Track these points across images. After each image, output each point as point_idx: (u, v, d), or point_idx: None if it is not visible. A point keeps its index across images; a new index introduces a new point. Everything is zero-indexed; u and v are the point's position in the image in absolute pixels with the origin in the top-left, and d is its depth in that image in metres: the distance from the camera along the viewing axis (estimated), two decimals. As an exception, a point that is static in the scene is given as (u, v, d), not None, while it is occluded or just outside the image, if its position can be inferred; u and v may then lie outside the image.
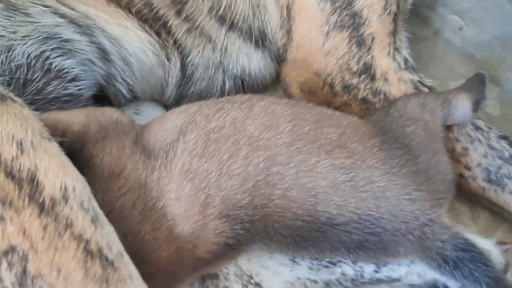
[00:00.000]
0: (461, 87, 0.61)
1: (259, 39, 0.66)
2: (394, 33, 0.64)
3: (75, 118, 0.52)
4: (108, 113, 0.53)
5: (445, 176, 0.51)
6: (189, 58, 0.64)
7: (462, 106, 0.57)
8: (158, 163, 0.48)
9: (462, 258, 0.45)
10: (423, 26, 0.80)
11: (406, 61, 0.65)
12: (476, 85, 0.61)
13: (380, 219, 0.46)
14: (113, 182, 0.48)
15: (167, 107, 0.68)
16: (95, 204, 0.43)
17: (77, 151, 0.50)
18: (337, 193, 0.46)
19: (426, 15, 0.81)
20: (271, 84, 0.73)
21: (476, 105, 0.59)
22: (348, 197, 0.46)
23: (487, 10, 0.81)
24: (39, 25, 0.55)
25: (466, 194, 0.63)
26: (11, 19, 0.54)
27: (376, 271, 0.50)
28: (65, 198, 0.41)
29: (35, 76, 0.54)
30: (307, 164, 0.47)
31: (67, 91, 0.57)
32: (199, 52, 0.64)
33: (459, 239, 0.46)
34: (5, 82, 0.51)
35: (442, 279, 0.48)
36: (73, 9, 0.57)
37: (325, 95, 0.66)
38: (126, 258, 0.42)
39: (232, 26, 0.64)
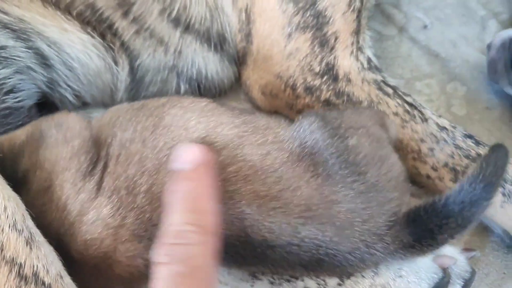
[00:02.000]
0: None
1: (218, 42, 0.63)
2: (357, 32, 0.61)
3: (19, 132, 0.47)
4: (52, 118, 0.48)
5: (397, 181, 0.47)
6: (139, 61, 0.60)
7: (392, 126, 0.54)
8: (91, 185, 0.45)
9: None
10: (388, 24, 0.78)
11: (369, 61, 0.63)
12: None
13: (329, 242, 0.42)
14: (39, 197, 0.44)
15: (121, 111, 0.64)
16: (30, 223, 0.40)
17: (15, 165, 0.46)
18: (267, 219, 0.42)
19: (390, 12, 0.79)
20: (233, 87, 0.70)
21: None
22: (282, 223, 0.42)
23: (452, 8, 0.79)
24: None
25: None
26: None
27: (339, 284, 0.48)
28: None
29: None
30: (227, 189, 0.42)
31: (4, 105, 0.53)
32: (149, 54, 0.61)
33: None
34: None
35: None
36: (5, 13, 0.52)
37: (287, 97, 0.64)
38: (67, 279, 0.39)
39: (187, 29, 0.61)
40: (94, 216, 0.43)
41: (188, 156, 0.39)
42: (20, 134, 0.48)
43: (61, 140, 0.46)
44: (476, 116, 0.70)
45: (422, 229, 0.45)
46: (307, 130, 0.47)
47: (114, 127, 0.47)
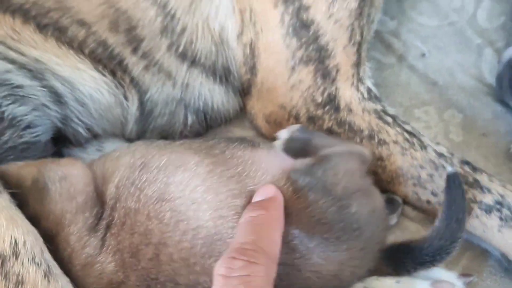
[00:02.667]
0: None
1: (223, 75, 0.66)
2: (357, 64, 0.64)
3: (29, 172, 0.49)
4: (57, 168, 0.50)
5: (384, 224, 0.52)
6: (148, 95, 0.63)
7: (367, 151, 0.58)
8: (95, 242, 0.47)
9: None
10: (387, 52, 0.81)
11: (369, 91, 0.65)
12: None
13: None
14: (52, 241, 0.46)
15: (131, 140, 0.66)
16: (48, 256, 0.42)
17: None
18: None
19: (390, 41, 0.82)
20: (237, 116, 0.72)
21: None
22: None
23: (449, 36, 0.82)
24: None
25: (430, 222, 0.64)
26: None
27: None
28: (15, 254, 0.40)
29: None
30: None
31: (23, 139, 0.55)
32: (158, 88, 0.63)
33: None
34: None
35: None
36: (22, 54, 0.56)
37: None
38: None
39: (194, 63, 0.64)
40: (99, 270, 0.45)
41: (266, 190, 0.44)
42: (26, 175, 0.49)
43: (66, 195, 0.48)
44: (473, 143, 0.72)
45: (399, 263, 0.52)
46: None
47: (118, 189, 0.48)
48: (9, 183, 0.48)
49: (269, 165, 0.50)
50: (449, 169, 0.56)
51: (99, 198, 0.49)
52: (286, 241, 0.45)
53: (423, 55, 0.80)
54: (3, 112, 0.54)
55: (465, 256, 0.63)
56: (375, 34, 0.81)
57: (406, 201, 0.64)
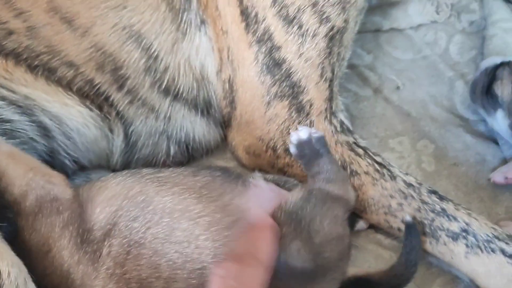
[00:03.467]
0: None
1: (204, 108, 0.70)
2: (330, 99, 0.68)
3: (19, 180, 0.52)
4: (49, 187, 0.53)
5: (347, 260, 0.57)
6: (132, 128, 0.67)
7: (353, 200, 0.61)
8: (87, 258, 0.50)
9: None
10: (364, 85, 0.85)
11: (342, 124, 0.69)
12: None
13: None
14: (40, 259, 0.49)
15: (116, 171, 0.69)
16: (31, 285, 0.45)
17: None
18: None
19: (366, 75, 0.86)
20: (219, 146, 0.76)
21: None
22: None
23: (422, 70, 0.86)
24: None
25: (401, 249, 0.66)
26: None
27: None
28: (0, 285, 0.43)
29: None
30: None
31: None
32: (141, 121, 0.67)
33: None
34: None
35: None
36: (13, 92, 0.59)
37: (269, 157, 0.69)
38: None
39: (176, 97, 0.67)
40: None
41: (262, 220, 0.50)
42: (14, 183, 0.52)
43: (55, 211, 0.52)
44: (444, 172, 0.75)
45: None
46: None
47: (116, 218, 0.52)
48: None
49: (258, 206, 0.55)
50: (407, 218, 0.60)
51: (81, 217, 0.52)
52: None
53: (397, 87, 0.84)
54: None
55: (436, 283, 0.66)
56: (352, 68, 0.85)
57: (379, 228, 0.67)
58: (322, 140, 0.59)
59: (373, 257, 0.67)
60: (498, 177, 0.71)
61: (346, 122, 0.70)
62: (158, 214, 0.52)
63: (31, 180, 0.53)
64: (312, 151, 0.59)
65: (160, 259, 0.50)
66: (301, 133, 0.59)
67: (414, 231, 0.60)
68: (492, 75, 0.71)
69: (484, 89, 0.72)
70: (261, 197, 0.56)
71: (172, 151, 0.70)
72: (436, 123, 0.80)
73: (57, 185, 0.54)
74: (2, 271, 0.44)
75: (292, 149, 0.60)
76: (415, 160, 0.77)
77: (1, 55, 0.60)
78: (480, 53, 0.86)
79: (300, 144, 0.59)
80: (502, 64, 0.71)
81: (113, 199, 0.53)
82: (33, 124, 0.60)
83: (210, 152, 0.75)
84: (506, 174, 0.71)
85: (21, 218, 0.51)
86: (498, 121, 0.71)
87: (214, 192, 0.55)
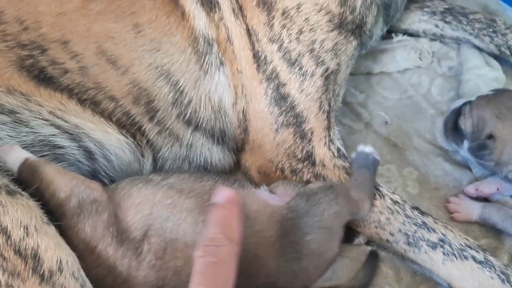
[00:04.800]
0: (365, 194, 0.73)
1: (220, 137, 0.81)
2: (328, 128, 0.80)
3: (64, 186, 0.61)
4: (88, 191, 0.62)
5: (321, 268, 0.68)
6: (160, 153, 0.78)
7: (364, 211, 0.72)
8: (130, 253, 0.60)
9: None
10: (357, 120, 0.97)
11: (338, 150, 0.80)
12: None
13: None
14: (86, 254, 0.58)
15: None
16: (82, 273, 0.55)
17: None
18: None
19: (359, 111, 0.98)
20: (231, 170, 0.87)
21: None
22: None
23: (407, 107, 0.98)
24: (38, 135, 0.68)
25: (391, 260, 0.77)
26: (16, 130, 0.67)
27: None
28: (60, 270, 0.53)
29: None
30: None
31: None
32: (168, 148, 0.78)
33: None
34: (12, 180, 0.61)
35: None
36: (66, 121, 0.70)
37: (277, 177, 0.81)
38: None
39: (197, 127, 0.79)
40: (142, 280, 0.58)
41: (223, 195, 0.56)
42: (60, 186, 0.60)
43: (95, 213, 0.61)
44: (427, 195, 0.86)
45: None
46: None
47: (150, 220, 0.61)
48: (39, 181, 0.60)
49: (252, 203, 0.67)
50: (370, 248, 0.76)
51: (117, 218, 0.62)
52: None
53: (386, 122, 0.96)
54: None
55: (419, 289, 0.76)
56: (346, 105, 0.97)
57: (371, 240, 0.78)
58: (376, 162, 0.75)
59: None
60: (470, 189, 0.83)
61: (342, 149, 0.81)
62: (184, 213, 0.62)
63: (74, 186, 0.61)
64: (365, 162, 0.74)
65: (190, 250, 0.60)
66: (367, 148, 0.75)
67: (375, 256, 0.75)
68: (458, 112, 0.83)
69: (452, 125, 0.84)
70: (258, 197, 0.68)
71: None
72: (420, 153, 0.91)
73: (95, 190, 0.63)
74: (61, 258, 0.54)
75: (354, 154, 0.76)
76: (401, 184, 0.88)
77: (58, 90, 0.70)
78: (457, 94, 0.99)
79: (361, 153, 0.74)
80: (465, 103, 0.83)
81: (141, 205, 0.63)
82: (80, 149, 0.71)
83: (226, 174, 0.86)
84: (477, 187, 0.82)
85: (66, 218, 0.60)
86: (465, 150, 0.83)
87: (201, 188, 0.66)
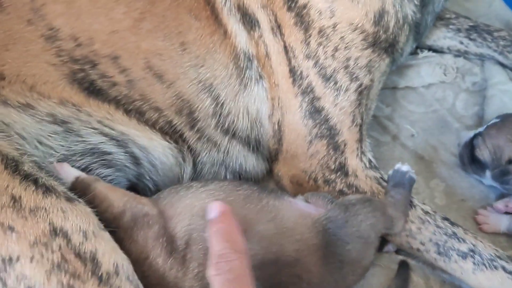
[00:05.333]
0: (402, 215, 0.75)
1: (255, 145, 0.85)
2: (360, 140, 0.83)
3: (117, 202, 0.64)
4: (140, 206, 0.65)
5: (358, 275, 0.71)
6: (199, 158, 0.81)
7: (398, 228, 0.74)
8: (176, 263, 0.62)
9: None
10: (384, 133, 0.99)
11: (370, 161, 0.83)
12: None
13: None
14: (138, 264, 0.61)
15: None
16: (136, 277, 0.58)
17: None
18: None
19: (386, 124, 1.00)
20: (264, 178, 0.90)
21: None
22: None
23: (433, 121, 1.00)
24: (88, 144, 0.72)
25: (420, 269, 0.79)
26: (67, 139, 0.71)
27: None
28: (117, 273, 0.56)
29: None
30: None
31: None
32: (206, 154, 0.82)
33: None
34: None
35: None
36: (113, 129, 0.74)
37: (310, 187, 0.84)
38: None
39: (234, 136, 0.82)
40: None
41: (215, 209, 0.56)
42: (113, 203, 0.64)
43: (146, 226, 0.64)
44: (454, 206, 0.89)
45: None
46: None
47: (190, 230, 0.64)
48: (91, 197, 0.63)
49: (291, 213, 0.70)
50: (400, 256, 0.78)
51: (166, 229, 0.64)
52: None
53: (412, 135, 0.99)
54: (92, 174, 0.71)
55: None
56: (373, 118, 1.00)
57: (401, 249, 0.81)
58: (411, 180, 0.77)
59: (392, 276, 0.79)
60: (500, 205, 0.85)
61: (373, 160, 0.84)
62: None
63: (127, 201, 0.65)
64: (401, 180, 0.76)
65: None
66: (404, 166, 0.77)
67: (406, 266, 0.77)
68: (471, 146, 0.87)
69: (470, 159, 0.87)
70: (295, 207, 0.70)
71: (228, 178, 0.84)
72: (446, 166, 0.94)
73: (146, 205, 0.66)
74: (118, 262, 0.57)
75: (390, 172, 0.78)
76: (428, 195, 0.90)
77: (106, 101, 0.74)
78: (481, 109, 1.01)
79: (398, 171, 0.77)
80: (476, 135, 0.87)
81: (182, 215, 0.65)
82: (127, 154, 0.75)
83: (258, 182, 0.89)
84: (507, 203, 0.85)
85: (120, 231, 0.63)
86: (488, 179, 0.87)
87: (254, 199, 0.69)
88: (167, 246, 0.63)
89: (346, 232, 0.69)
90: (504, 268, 0.73)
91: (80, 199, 0.61)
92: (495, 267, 0.73)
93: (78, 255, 0.55)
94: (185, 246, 0.63)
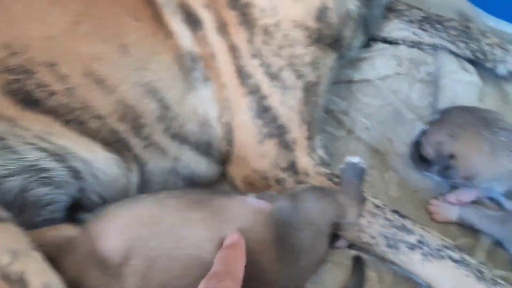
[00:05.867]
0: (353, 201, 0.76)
1: (206, 149, 0.84)
2: (310, 138, 0.83)
3: (40, 240, 0.62)
4: (59, 232, 0.65)
5: (314, 266, 0.71)
6: (147, 167, 0.80)
7: (352, 216, 0.74)
8: (114, 280, 0.61)
9: None
10: (339, 127, 0.99)
11: (321, 158, 0.84)
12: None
13: None
14: (75, 285, 0.61)
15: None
16: None
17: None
18: None
19: (341, 118, 1.00)
20: (218, 181, 0.90)
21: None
22: None
23: (388, 113, 1.00)
24: (25, 161, 0.69)
25: (373, 262, 0.80)
26: (4, 157, 0.68)
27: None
28: None
29: (13, 211, 0.62)
30: None
31: (40, 218, 0.70)
32: (155, 162, 0.80)
33: None
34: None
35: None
36: (52, 143, 0.71)
37: (262, 186, 0.84)
38: None
39: (183, 140, 0.81)
40: None
41: (232, 237, 0.63)
42: (40, 244, 0.62)
43: (70, 248, 0.63)
44: (407, 198, 0.89)
45: None
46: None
47: (132, 242, 0.62)
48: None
49: (243, 211, 0.69)
50: (352, 251, 0.79)
51: (95, 248, 0.63)
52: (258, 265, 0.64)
53: (367, 128, 0.99)
54: (29, 195, 0.69)
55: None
56: (329, 113, 1.00)
57: (353, 244, 0.81)
58: (362, 171, 0.77)
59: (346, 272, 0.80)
60: (450, 198, 0.86)
61: (325, 156, 0.85)
62: (166, 230, 0.64)
63: (43, 235, 0.64)
64: (352, 172, 0.77)
65: (176, 264, 0.62)
66: (354, 158, 0.78)
67: (361, 262, 0.78)
68: (418, 144, 0.88)
69: (417, 157, 0.88)
70: (247, 204, 0.70)
71: (179, 185, 0.84)
72: (400, 158, 0.94)
73: (65, 229, 0.66)
74: (48, 282, 0.55)
75: (341, 165, 0.78)
76: (383, 188, 0.91)
77: (44, 113, 0.71)
78: (435, 100, 1.02)
79: (348, 164, 0.77)
80: (421, 134, 0.88)
81: (125, 228, 0.65)
82: (67, 169, 0.72)
83: (210, 185, 0.89)
84: (457, 196, 0.86)
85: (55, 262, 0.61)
86: (436, 175, 0.88)
87: (205, 201, 0.68)
88: (99, 264, 0.62)
89: (296, 220, 0.69)
90: (451, 258, 0.73)
91: (8, 219, 0.59)
92: (442, 257, 0.73)
93: (5, 277, 0.54)
94: (122, 261, 0.62)
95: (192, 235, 0.65)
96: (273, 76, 0.80)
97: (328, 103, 1.02)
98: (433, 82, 1.05)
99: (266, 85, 0.80)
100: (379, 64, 1.07)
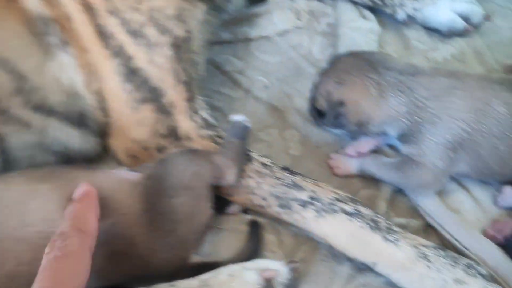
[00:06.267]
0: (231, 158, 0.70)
1: (79, 120, 0.75)
2: (190, 99, 0.76)
3: None
4: None
5: (199, 230, 0.65)
6: (6, 143, 0.71)
7: (230, 177, 0.68)
8: None
9: None
10: (236, 88, 0.93)
11: (204, 120, 0.76)
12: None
13: None
14: None
15: None
16: None
17: None
18: None
19: (237, 78, 0.94)
20: (101, 156, 0.81)
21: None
22: None
23: (287, 69, 0.95)
24: None
25: (271, 225, 0.74)
26: None
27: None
28: None
29: None
30: None
31: None
32: (16, 136, 0.71)
33: None
34: None
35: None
36: None
37: (145, 157, 0.76)
38: None
39: (50, 112, 0.72)
40: None
41: (79, 190, 0.58)
42: None
43: None
44: (310, 155, 0.84)
45: None
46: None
47: None
48: None
49: (106, 183, 0.63)
50: (247, 216, 0.73)
51: None
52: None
53: (266, 87, 0.93)
54: None
55: (301, 250, 0.73)
56: (225, 74, 0.94)
57: (246, 208, 0.75)
58: (245, 129, 0.72)
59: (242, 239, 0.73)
60: (350, 151, 0.81)
61: (210, 118, 0.77)
62: (9, 206, 0.57)
63: None
64: (235, 131, 0.71)
65: (24, 247, 0.55)
66: (237, 116, 0.73)
67: (257, 226, 0.72)
68: (313, 98, 0.83)
69: (314, 111, 0.83)
70: (112, 176, 0.64)
71: (51, 162, 0.75)
72: (300, 114, 0.89)
73: None
74: None
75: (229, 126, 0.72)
76: (283, 147, 0.85)
77: None
78: (336, 50, 0.97)
79: (233, 123, 0.72)
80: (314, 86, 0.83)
81: None
82: None
83: (92, 161, 0.80)
84: (356, 148, 0.81)
85: None
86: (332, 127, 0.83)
87: (57, 173, 0.62)
88: None
89: (169, 185, 0.63)
90: (344, 211, 0.68)
91: None
92: (335, 211, 0.68)
93: None
94: None
95: (39, 207, 0.57)
96: (136, 34, 0.72)
97: (224, 64, 0.96)
98: (334, 33, 1.00)
99: (130, 45, 0.72)
100: (277, 18, 1.01)
